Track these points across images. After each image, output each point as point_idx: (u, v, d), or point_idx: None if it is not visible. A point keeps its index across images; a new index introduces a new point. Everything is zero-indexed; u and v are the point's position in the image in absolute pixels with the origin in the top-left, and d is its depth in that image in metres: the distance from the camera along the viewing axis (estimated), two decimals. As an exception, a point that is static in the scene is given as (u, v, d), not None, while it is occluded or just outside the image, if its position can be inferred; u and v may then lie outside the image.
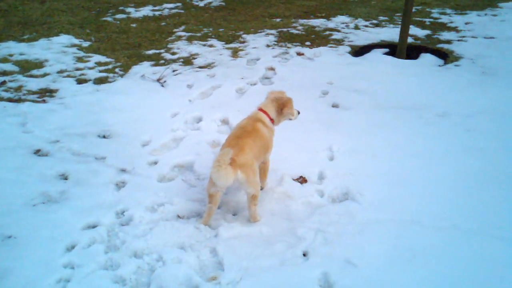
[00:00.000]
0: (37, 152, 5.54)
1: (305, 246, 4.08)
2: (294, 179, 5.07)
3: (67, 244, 4.05)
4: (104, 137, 5.97)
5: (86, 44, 9.66)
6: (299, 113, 4.92)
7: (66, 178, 5.04)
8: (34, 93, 7.23)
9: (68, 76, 7.95)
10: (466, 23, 11.07)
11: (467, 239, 4.14)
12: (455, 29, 10.63)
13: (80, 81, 7.73)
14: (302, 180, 5.06)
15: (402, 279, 3.72)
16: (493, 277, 3.73)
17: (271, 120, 4.71)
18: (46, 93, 7.23)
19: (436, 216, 4.44)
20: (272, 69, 8.38)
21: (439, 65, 8.44)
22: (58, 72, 8.08)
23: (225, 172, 3.89)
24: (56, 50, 9.14)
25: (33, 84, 7.54)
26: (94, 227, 4.29)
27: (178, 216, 4.48)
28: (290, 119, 4.88)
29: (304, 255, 4.01)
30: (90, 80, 7.79)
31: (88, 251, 3.98)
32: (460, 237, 4.17)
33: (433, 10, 12.39)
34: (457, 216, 4.44)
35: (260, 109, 4.71)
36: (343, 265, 3.84)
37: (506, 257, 3.93)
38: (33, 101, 6.91)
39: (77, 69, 8.25)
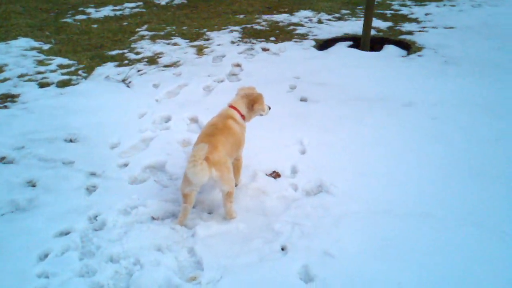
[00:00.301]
0: (2, 159, 5.36)
1: (283, 240, 4.07)
2: (267, 174, 5.06)
3: (39, 252, 3.93)
4: (71, 141, 5.82)
5: (46, 46, 9.43)
6: (270, 108, 4.89)
7: (34, 185, 4.89)
8: (-6, 99, 7.01)
9: (30, 80, 7.72)
10: (426, 14, 11.31)
11: (438, 225, 4.21)
12: (415, 20, 10.83)
13: (43, 85, 7.52)
14: (275, 175, 5.06)
15: (379, 268, 3.75)
16: (465, 261, 3.80)
17: (242, 116, 4.68)
18: (7, 99, 7.01)
19: (407, 204, 4.51)
20: (238, 65, 8.35)
21: (403, 56, 8.59)
22: (18, 77, 7.85)
23: (201, 168, 3.84)
24: (15, 54, 8.89)
25: (-7, 89, 7.31)
26: (66, 233, 4.17)
27: (153, 218, 4.41)
28: (261, 115, 4.86)
29: (282, 249, 4.01)
30: (52, 83, 7.59)
31: (62, 258, 3.87)
32: (431, 224, 4.23)
33: (393, 2, 12.61)
34: (427, 203, 4.51)
35: (231, 106, 4.68)
36: (322, 257, 3.85)
37: (477, 242, 4.00)
38: (-6, 107, 6.70)
39: (39, 73, 8.03)
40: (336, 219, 4.31)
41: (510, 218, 4.27)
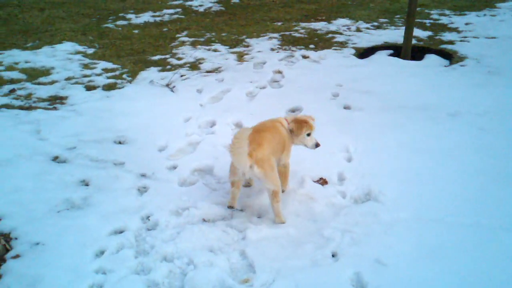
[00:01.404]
0: (55, 159, 5.52)
1: (334, 246, 4.09)
2: (314, 181, 5.08)
3: (95, 249, 4.03)
4: (119, 142, 5.96)
5: (90, 51, 9.66)
6: (317, 145, 4.74)
7: (87, 184, 5.03)
8: (44, 100, 7.22)
9: (76, 83, 7.93)
10: (466, 24, 11.18)
11: (490, 235, 4.16)
12: (456, 30, 10.73)
13: (89, 88, 7.71)
14: (322, 181, 5.08)
15: (429, 276, 3.72)
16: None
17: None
18: (56, 100, 7.21)
19: (457, 213, 4.47)
20: (279, 72, 8.41)
21: (445, 66, 8.52)
22: (66, 79, 8.07)
23: (240, 151, 3.88)
24: (61, 58, 9.14)
25: (42, 91, 7.53)
26: (121, 232, 4.28)
27: (204, 220, 4.48)
28: (305, 146, 4.76)
29: (333, 255, 4.02)
30: (98, 86, 7.78)
31: (118, 256, 3.97)
32: (483, 233, 4.19)
33: (432, 12, 12.51)
34: (478, 213, 4.47)
35: (284, 118, 4.82)
36: (374, 265, 3.85)
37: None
38: (44, 108, 6.89)
39: (85, 76, 8.24)
40: (386, 227, 4.31)
41: None
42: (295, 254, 4.02)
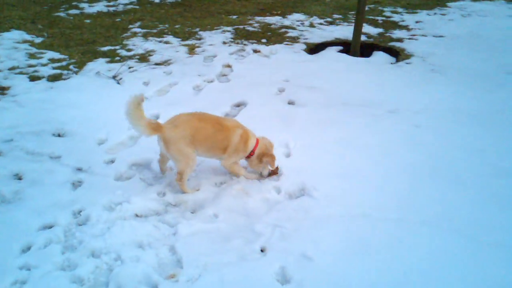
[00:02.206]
0: (-10, 151, 5.42)
1: (263, 241, 4.16)
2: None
3: (22, 245, 3.99)
4: (59, 135, 5.88)
5: (38, 40, 9.46)
6: (276, 171, 5.17)
7: (20, 178, 4.95)
8: (-16, 90, 7.04)
9: (21, 73, 7.76)
10: (417, 22, 11.44)
11: (414, 230, 4.30)
12: (406, 28, 10.97)
13: (33, 78, 7.56)
14: (259, 176, 5.15)
15: (354, 271, 3.82)
16: (440, 267, 3.91)
17: (251, 153, 4.96)
18: (-3, 91, 7.05)
19: (384, 209, 4.60)
20: (229, 66, 8.43)
21: (391, 63, 8.71)
22: (9, 69, 7.89)
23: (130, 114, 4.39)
24: (7, 46, 8.92)
25: (-17, 81, 7.34)
26: (50, 227, 4.23)
27: (136, 215, 4.48)
28: (261, 172, 5.12)
29: (262, 250, 4.09)
30: (43, 77, 7.63)
31: (45, 251, 3.93)
32: (407, 228, 4.33)
33: (385, 9, 12.73)
34: (404, 208, 4.61)
35: (257, 139, 5.04)
36: (300, 259, 3.93)
37: (453, 247, 4.11)
38: (-17, 99, 6.72)
39: (30, 66, 8.07)
40: (316, 222, 4.40)
41: (478, 223, 4.38)
42: (224, 249, 4.06)
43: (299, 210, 4.59)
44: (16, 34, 9.62)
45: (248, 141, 4.90)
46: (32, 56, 8.53)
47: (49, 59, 8.40)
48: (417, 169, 5.25)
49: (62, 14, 11.44)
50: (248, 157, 5.01)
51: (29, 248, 3.97)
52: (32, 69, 7.94)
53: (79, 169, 5.14)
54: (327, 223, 4.39)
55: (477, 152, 5.59)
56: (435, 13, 12.29)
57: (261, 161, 4.97)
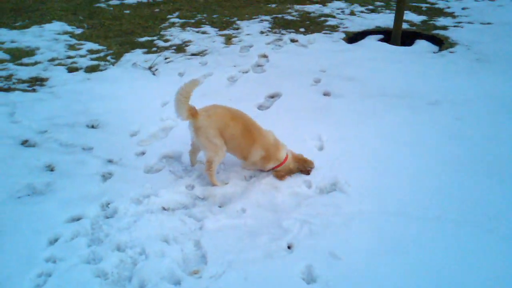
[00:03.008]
0: (24, 142, 5.50)
1: (290, 238, 4.04)
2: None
3: (50, 237, 4.01)
4: (92, 127, 5.93)
5: (78, 31, 9.60)
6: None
7: (52, 170, 5.00)
8: (24, 82, 7.18)
9: (59, 64, 7.89)
10: (463, 9, 10.98)
11: (452, 230, 4.08)
12: (451, 15, 10.53)
13: (71, 70, 7.67)
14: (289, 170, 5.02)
15: (384, 272, 3.66)
16: (478, 268, 3.69)
17: (282, 163, 4.84)
18: (36, 82, 7.18)
19: (422, 206, 4.38)
20: (265, 56, 8.31)
21: (434, 52, 8.36)
22: (49, 60, 8.03)
23: (181, 102, 4.42)
24: (48, 38, 9.09)
25: (24, 72, 7.49)
26: (78, 219, 4.25)
27: (163, 208, 4.45)
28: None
29: (288, 247, 3.97)
30: (81, 68, 7.73)
31: (71, 244, 3.95)
32: (445, 228, 4.11)
33: (430, -5, 12.27)
34: (443, 206, 4.38)
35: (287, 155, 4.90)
36: (327, 258, 3.79)
37: (492, 247, 3.88)
38: (23, 90, 6.85)
39: (69, 57, 8.20)
40: (347, 219, 4.24)
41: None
42: (250, 245, 3.97)
43: (329, 206, 4.43)
44: (57, 26, 9.79)
45: (270, 162, 4.81)
46: (71, 47, 8.66)
47: (88, 50, 8.50)
48: (458, 165, 4.99)
49: (103, 5, 11.58)
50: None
51: (56, 240, 3.99)
52: (70, 60, 8.06)
53: (110, 161, 5.16)
54: (358, 220, 4.23)
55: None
56: (483, -1, 11.75)
57: (295, 170, 4.92)
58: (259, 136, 4.72)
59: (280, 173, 4.85)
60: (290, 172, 4.88)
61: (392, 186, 4.70)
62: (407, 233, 4.08)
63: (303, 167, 4.88)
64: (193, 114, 4.49)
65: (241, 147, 4.69)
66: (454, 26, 9.62)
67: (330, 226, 4.17)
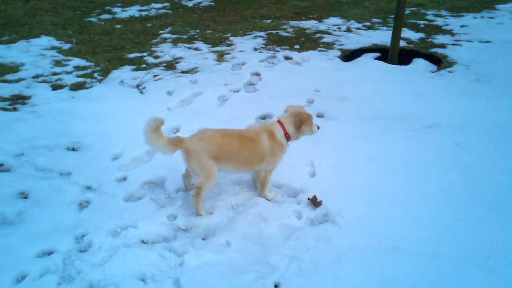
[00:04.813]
0: (-1, 167, 5.19)
1: (278, 276, 3.74)
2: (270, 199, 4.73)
3: (16, 274, 3.69)
4: (73, 149, 5.61)
5: (66, 46, 9.33)
6: (318, 128, 4.79)
7: (26, 197, 4.68)
8: (5, 99, 6.87)
9: (44, 81, 7.59)
10: (462, 26, 10.76)
11: (451, 268, 3.80)
12: (450, 32, 10.31)
13: (56, 87, 7.37)
14: (314, 202, 4.67)
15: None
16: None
17: (287, 135, 4.56)
18: (18, 100, 6.87)
19: (418, 241, 4.11)
20: (257, 74, 8.04)
21: (432, 71, 8.12)
22: (33, 77, 7.73)
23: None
24: (34, 53, 8.80)
25: (6, 90, 7.18)
26: (49, 254, 3.93)
27: (142, 241, 4.14)
28: (310, 135, 4.77)
29: (276, 286, 3.68)
30: (66, 85, 7.43)
31: (39, 282, 3.63)
32: (444, 266, 3.83)
33: (428, 12, 12.09)
34: (439, 241, 4.11)
35: (278, 121, 4.59)
36: (317, 301, 3.50)
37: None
38: (3, 109, 6.53)
39: (54, 74, 7.90)
40: (338, 254, 3.96)
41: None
42: (233, 284, 3.67)
43: (320, 239, 4.14)
44: (45, 41, 9.51)
45: (276, 135, 4.53)
46: (57, 63, 8.37)
47: (75, 67, 8.22)
48: (455, 195, 4.71)
49: (94, 19, 11.32)
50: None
51: (23, 278, 3.67)
52: (56, 77, 7.76)
53: (89, 188, 4.84)
54: (350, 257, 3.94)
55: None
56: (482, 17, 11.54)
57: (302, 131, 4.62)
58: (250, 132, 4.55)
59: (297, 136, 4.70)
60: (301, 133, 4.64)
61: (386, 217, 4.42)
62: (401, 272, 3.80)
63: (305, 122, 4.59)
64: (177, 143, 4.24)
65: (247, 155, 4.43)
66: (453, 44, 9.39)
67: (320, 262, 3.89)
